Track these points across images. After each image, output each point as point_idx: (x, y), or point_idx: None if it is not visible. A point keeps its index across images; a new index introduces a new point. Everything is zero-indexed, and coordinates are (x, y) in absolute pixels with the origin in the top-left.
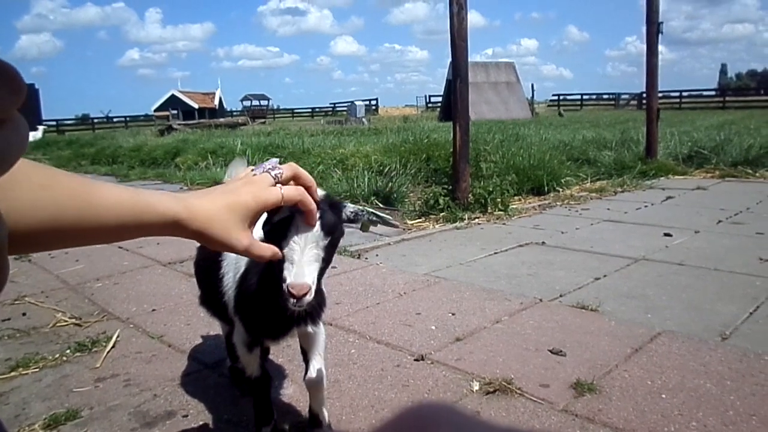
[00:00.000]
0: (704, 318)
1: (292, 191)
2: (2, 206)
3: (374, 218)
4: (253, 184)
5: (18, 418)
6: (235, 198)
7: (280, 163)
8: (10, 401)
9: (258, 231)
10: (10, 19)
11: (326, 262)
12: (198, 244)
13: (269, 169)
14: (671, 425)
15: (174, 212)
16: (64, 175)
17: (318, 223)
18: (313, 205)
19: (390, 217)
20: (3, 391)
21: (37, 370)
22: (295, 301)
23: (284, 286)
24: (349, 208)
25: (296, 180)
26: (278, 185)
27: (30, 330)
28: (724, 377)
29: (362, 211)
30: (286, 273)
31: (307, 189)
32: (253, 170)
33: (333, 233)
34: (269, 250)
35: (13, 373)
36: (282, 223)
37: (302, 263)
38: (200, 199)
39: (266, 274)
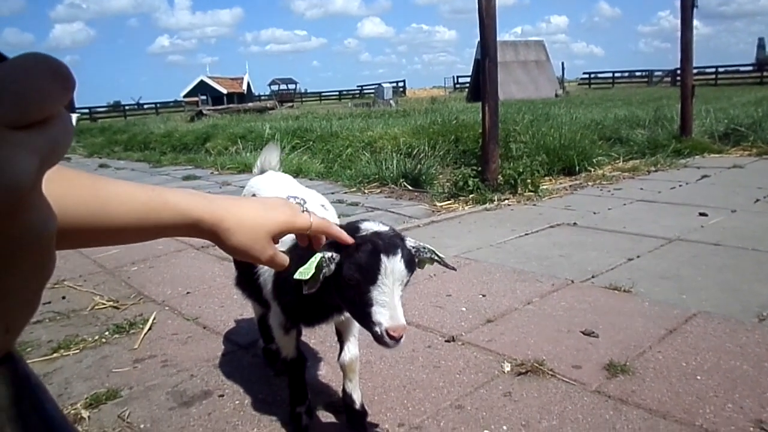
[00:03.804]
0: (741, 299)
1: (321, 222)
2: None
3: (435, 257)
4: (289, 207)
5: (61, 398)
6: (269, 212)
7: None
8: (53, 381)
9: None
10: (44, 9)
11: None
12: None
13: (301, 202)
14: (706, 407)
15: (196, 213)
16: (70, 170)
17: (402, 262)
18: (342, 234)
19: (448, 260)
20: (46, 372)
21: (77, 351)
22: (395, 342)
23: (378, 329)
24: (410, 242)
25: (327, 233)
26: (308, 213)
27: (70, 313)
28: (761, 358)
29: (424, 248)
30: (379, 317)
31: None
32: (289, 197)
33: (414, 269)
34: (288, 260)
35: (55, 355)
36: (368, 264)
37: (395, 305)
38: (233, 204)
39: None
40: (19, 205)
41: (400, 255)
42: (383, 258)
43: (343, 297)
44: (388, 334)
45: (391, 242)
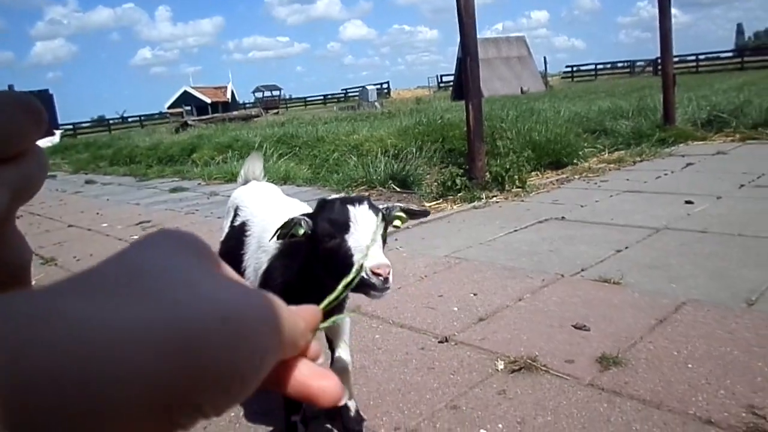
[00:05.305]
0: (730, 285)
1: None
2: None
3: (404, 213)
4: None
5: None
6: None
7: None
8: None
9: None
10: (24, 27)
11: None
12: (221, 239)
13: None
14: (699, 394)
15: None
16: None
17: (371, 211)
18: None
19: (414, 206)
20: None
21: None
22: (382, 281)
23: (363, 272)
24: (378, 204)
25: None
26: None
27: None
28: (751, 343)
29: (393, 206)
30: (361, 259)
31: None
32: None
33: (384, 219)
34: None
35: None
36: (337, 214)
37: (374, 246)
38: None
39: (289, 271)
40: None
41: (366, 205)
42: (350, 207)
43: (326, 264)
44: (374, 274)
45: (356, 198)
